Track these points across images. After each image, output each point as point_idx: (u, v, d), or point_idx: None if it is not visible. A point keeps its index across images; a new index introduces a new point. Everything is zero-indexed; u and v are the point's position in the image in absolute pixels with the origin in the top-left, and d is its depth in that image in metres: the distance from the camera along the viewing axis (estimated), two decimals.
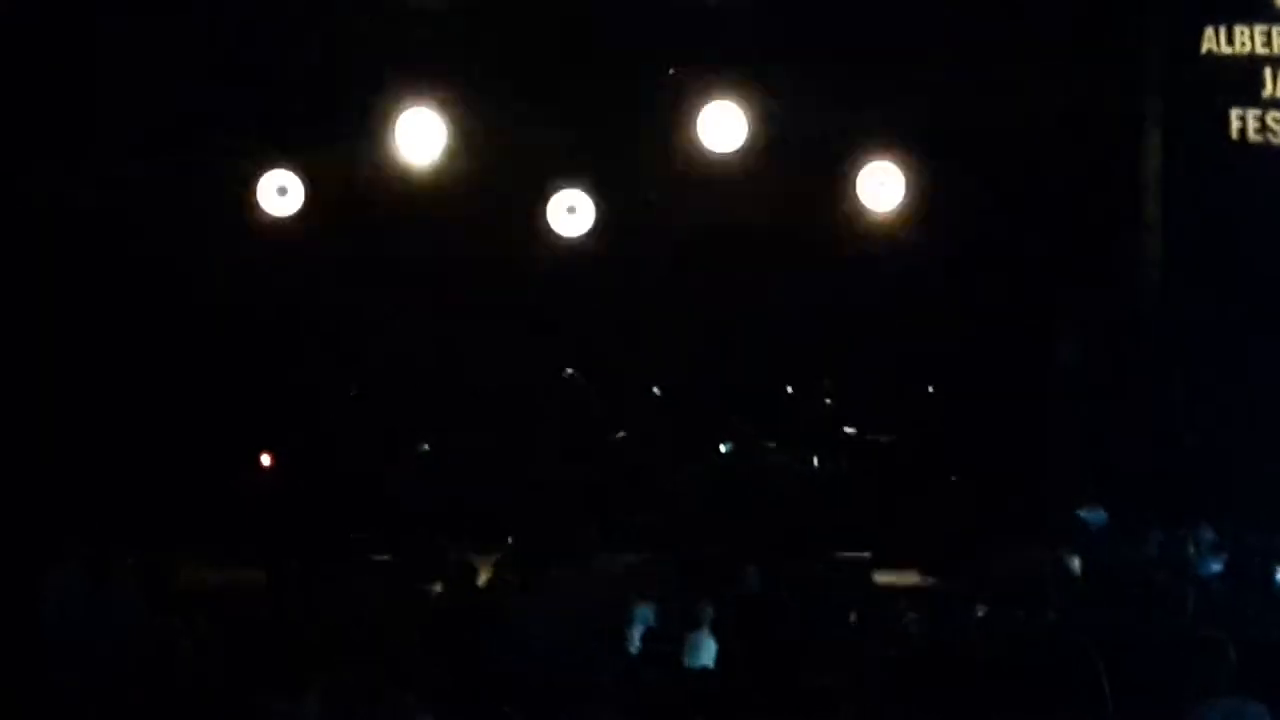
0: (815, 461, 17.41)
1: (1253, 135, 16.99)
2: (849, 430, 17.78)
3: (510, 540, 15.37)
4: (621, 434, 17.78)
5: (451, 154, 17.69)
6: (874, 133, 17.57)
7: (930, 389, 18.58)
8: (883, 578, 15.28)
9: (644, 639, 11.15)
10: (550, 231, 18.00)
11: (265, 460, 17.36)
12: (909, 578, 15.68)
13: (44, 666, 10.36)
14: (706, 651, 11.48)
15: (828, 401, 18.23)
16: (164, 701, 9.20)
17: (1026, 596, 11.90)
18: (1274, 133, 16.96)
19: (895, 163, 17.61)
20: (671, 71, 17.71)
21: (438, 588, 12.56)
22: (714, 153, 17.66)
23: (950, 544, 16.07)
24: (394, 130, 17.68)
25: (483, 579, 13.12)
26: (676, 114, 17.68)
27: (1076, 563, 13.45)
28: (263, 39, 17.10)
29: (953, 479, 16.94)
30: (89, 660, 10.36)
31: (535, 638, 11.17)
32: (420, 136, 17.69)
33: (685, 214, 17.63)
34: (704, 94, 17.64)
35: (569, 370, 18.01)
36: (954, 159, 17.45)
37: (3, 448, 16.39)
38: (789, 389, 18.62)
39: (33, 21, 16.82)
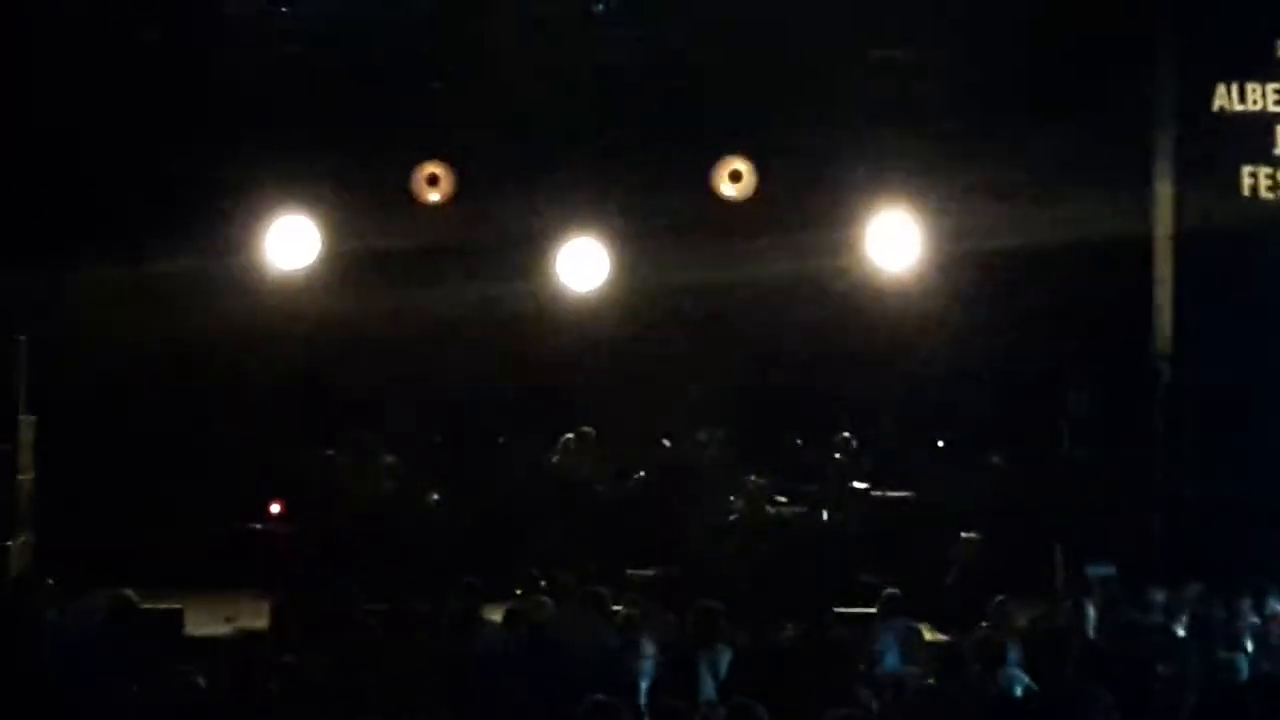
0: (825, 516, 17.36)
1: (1264, 192, 17.00)
2: (860, 485, 17.74)
3: (519, 591, 15.36)
4: (631, 485, 17.74)
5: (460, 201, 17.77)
6: (885, 185, 17.61)
7: (941, 444, 18.58)
8: None
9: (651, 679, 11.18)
10: (561, 283, 17.99)
11: (275, 508, 17.36)
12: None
13: (59, 708, 10.36)
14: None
15: (838, 456, 18.21)
16: None
17: (1041, 651, 11.90)
18: None
19: (908, 216, 17.64)
20: None
21: (443, 634, 12.56)
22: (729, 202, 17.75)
23: (961, 600, 16.02)
24: (408, 179, 17.75)
25: (492, 627, 13.12)
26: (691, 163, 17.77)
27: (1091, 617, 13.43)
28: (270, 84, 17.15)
29: (963, 535, 16.89)
30: (105, 703, 10.36)
31: (541, 682, 11.17)
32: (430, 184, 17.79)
33: (697, 265, 17.66)
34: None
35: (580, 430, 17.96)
36: (965, 216, 17.49)
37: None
38: (799, 443, 18.60)
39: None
